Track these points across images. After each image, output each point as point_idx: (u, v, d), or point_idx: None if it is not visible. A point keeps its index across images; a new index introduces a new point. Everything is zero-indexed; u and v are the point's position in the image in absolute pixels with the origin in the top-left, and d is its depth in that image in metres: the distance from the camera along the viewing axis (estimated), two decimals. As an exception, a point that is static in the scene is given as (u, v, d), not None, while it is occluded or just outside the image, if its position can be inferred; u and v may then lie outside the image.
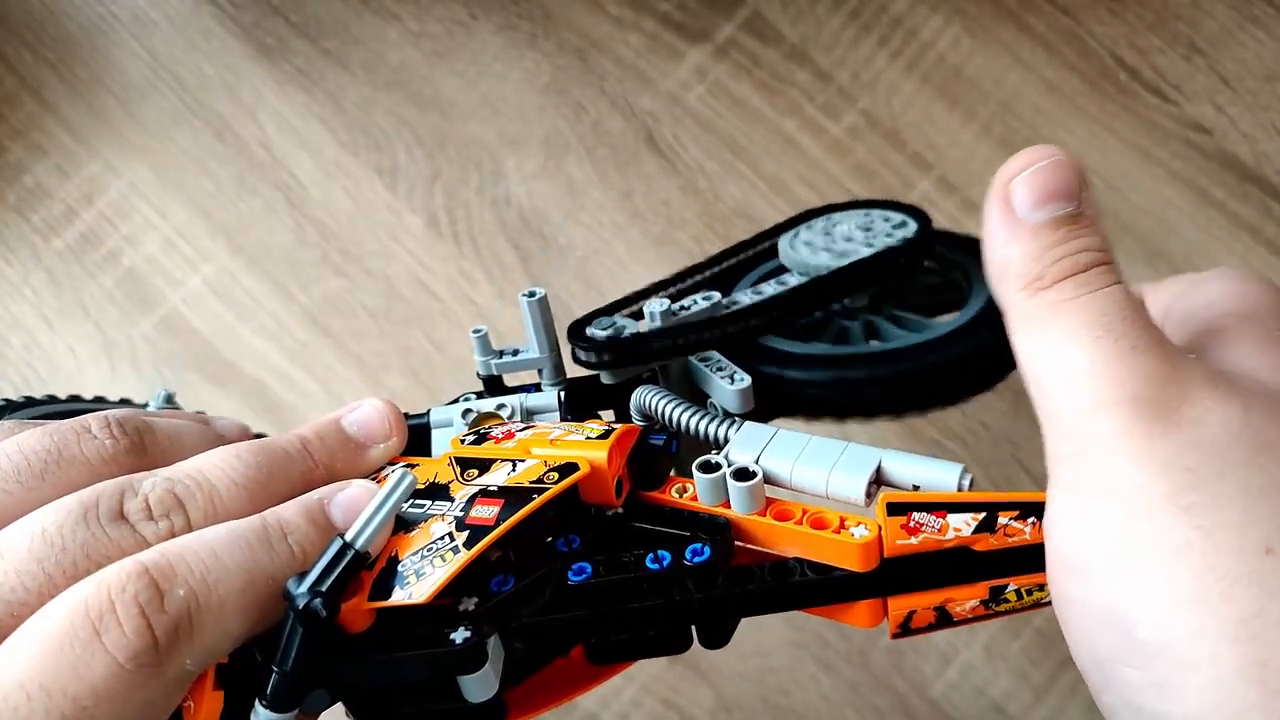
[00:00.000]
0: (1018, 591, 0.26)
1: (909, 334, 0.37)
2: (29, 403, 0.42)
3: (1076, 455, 0.24)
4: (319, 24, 0.67)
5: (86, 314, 0.63)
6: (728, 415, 0.33)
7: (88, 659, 0.22)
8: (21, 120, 0.66)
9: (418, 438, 0.35)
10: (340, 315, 0.63)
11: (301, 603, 0.24)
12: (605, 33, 0.66)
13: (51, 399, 0.44)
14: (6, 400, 0.41)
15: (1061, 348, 0.24)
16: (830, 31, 0.66)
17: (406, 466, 0.30)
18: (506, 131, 0.65)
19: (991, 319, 0.35)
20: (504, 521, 0.26)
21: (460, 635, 0.25)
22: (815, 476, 0.28)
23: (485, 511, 0.27)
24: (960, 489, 0.27)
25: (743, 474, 0.28)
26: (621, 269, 0.63)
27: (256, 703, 0.24)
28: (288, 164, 0.65)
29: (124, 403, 0.48)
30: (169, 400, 0.44)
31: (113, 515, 0.26)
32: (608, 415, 0.37)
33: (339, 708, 0.28)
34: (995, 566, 0.26)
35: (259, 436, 0.42)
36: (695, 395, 0.36)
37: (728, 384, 0.34)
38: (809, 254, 0.39)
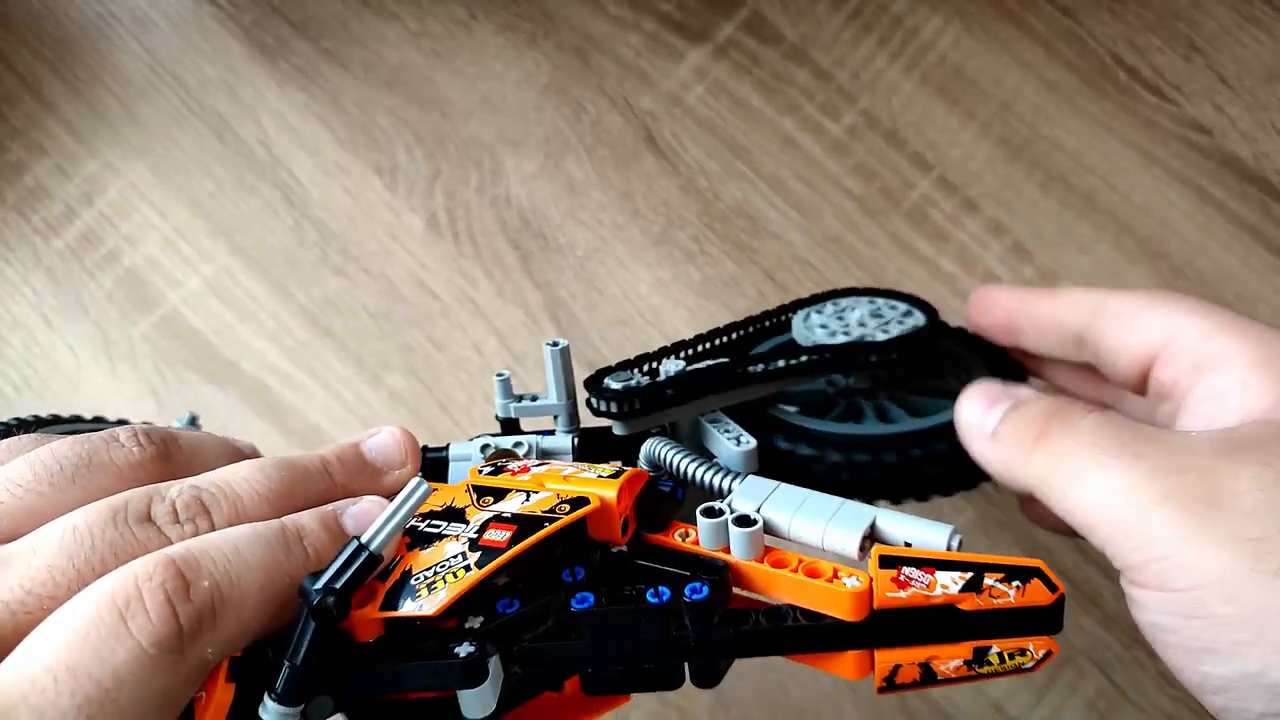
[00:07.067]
0: (1000, 655, 0.27)
1: (932, 416, 0.39)
2: (55, 420, 0.43)
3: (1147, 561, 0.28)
4: (319, 24, 0.67)
5: (86, 314, 0.63)
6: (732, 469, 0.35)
7: (112, 643, 0.23)
8: (21, 120, 0.66)
9: (437, 470, 0.38)
10: (340, 315, 0.63)
11: (315, 599, 0.25)
12: (605, 33, 0.66)
13: (77, 419, 0.45)
14: (35, 416, 0.42)
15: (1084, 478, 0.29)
16: (830, 31, 0.66)
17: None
18: (506, 131, 0.65)
19: None
20: (516, 544, 0.28)
21: (464, 650, 0.26)
22: (812, 529, 0.30)
23: (498, 535, 0.28)
24: (949, 549, 0.28)
25: (744, 520, 0.30)
26: (621, 269, 0.63)
27: (265, 696, 0.25)
28: (288, 164, 0.65)
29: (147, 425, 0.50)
30: (193, 421, 0.47)
31: (140, 517, 0.27)
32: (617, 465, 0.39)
33: None
34: (979, 627, 0.27)
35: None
36: (703, 455, 0.38)
37: (734, 445, 0.36)
38: (824, 335, 0.41)
